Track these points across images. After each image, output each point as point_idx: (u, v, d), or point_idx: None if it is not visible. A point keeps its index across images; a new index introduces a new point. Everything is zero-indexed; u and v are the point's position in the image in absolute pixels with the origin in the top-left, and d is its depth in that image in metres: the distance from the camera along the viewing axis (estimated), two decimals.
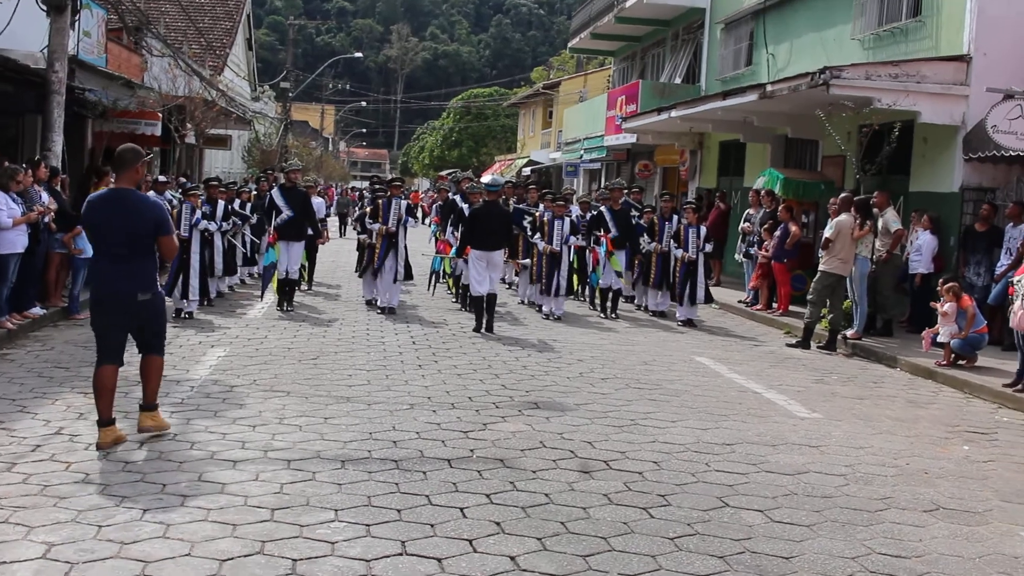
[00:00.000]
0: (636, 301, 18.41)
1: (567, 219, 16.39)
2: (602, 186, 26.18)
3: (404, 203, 16.04)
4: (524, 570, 5.33)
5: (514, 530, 5.92)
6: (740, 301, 18.86)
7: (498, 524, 6.00)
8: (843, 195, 14.91)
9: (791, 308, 17.20)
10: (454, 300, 17.69)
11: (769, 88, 17.72)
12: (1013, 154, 14.58)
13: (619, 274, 16.71)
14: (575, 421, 8.84)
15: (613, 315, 16.75)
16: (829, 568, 5.61)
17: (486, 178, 15.84)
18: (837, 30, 20.18)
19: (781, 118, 20.12)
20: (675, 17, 29.99)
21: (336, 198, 47.95)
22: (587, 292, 18.27)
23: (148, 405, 7.69)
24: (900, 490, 7.25)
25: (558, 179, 43.22)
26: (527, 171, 49.13)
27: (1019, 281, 10.89)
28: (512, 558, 5.48)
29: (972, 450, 8.74)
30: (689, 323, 16.28)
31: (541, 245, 16.12)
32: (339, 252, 26.88)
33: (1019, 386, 11.07)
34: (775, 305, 17.71)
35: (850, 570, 5.60)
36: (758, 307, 18.01)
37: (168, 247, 7.64)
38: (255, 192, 20.03)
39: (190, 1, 38.33)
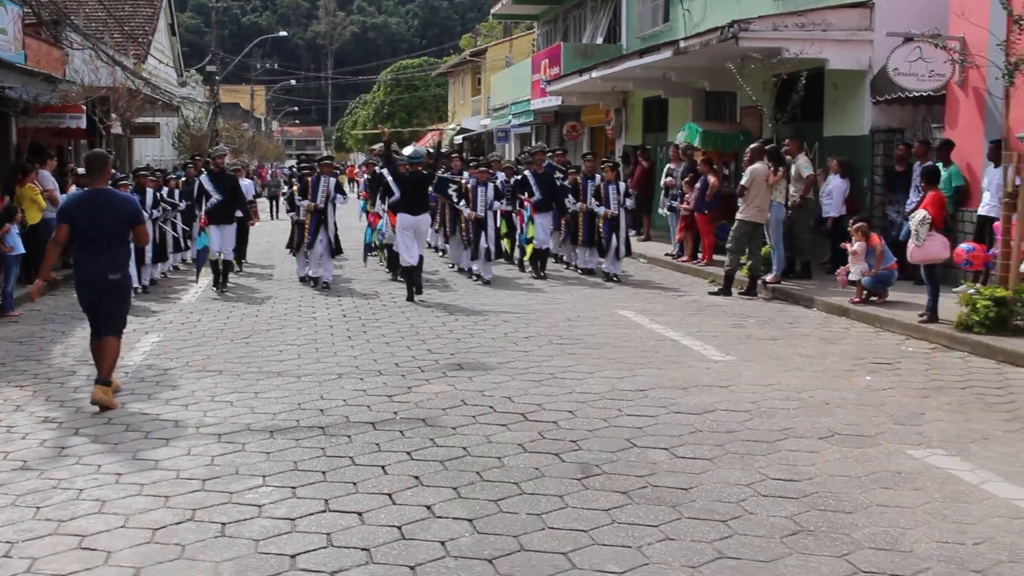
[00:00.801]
0: (565, 259, 18.81)
1: (491, 184, 16.73)
2: (523, 151, 26.51)
3: (333, 181, 16.39)
4: (439, 517, 5.70)
5: (432, 482, 6.29)
6: (667, 254, 19.31)
7: (417, 478, 6.37)
8: (753, 145, 15.33)
9: (715, 257, 17.64)
10: (387, 270, 17.98)
11: (683, 44, 18.16)
12: (917, 95, 15.10)
13: (529, 240, 17.11)
14: (497, 379, 9.22)
15: (542, 274, 17.12)
16: (724, 495, 6.04)
17: (407, 150, 16.15)
18: None
19: (698, 72, 20.53)
20: None
21: (267, 179, 47.72)
22: (516, 255, 18.62)
23: (102, 380, 8.35)
24: (800, 421, 7.71)
25: (490, 145, 43.43)
26: (459, 139, 49.24)
27: (913, 217, 11.40)
28: (428, 507, 5.85)
29: (874, 380, 9.23)
30: (615, 278, 16.69)
31: (466, 212, 16.45)
32: (273, 233, 26.98)
33: (924, 316, 11.60)
34: (700, 256, 18.17)
35: (744, 495, 6.03)
36: (684, 259, 18.47)
37: (142, 234, 8.74)
38: (183, 179, 20.14)
39: None
